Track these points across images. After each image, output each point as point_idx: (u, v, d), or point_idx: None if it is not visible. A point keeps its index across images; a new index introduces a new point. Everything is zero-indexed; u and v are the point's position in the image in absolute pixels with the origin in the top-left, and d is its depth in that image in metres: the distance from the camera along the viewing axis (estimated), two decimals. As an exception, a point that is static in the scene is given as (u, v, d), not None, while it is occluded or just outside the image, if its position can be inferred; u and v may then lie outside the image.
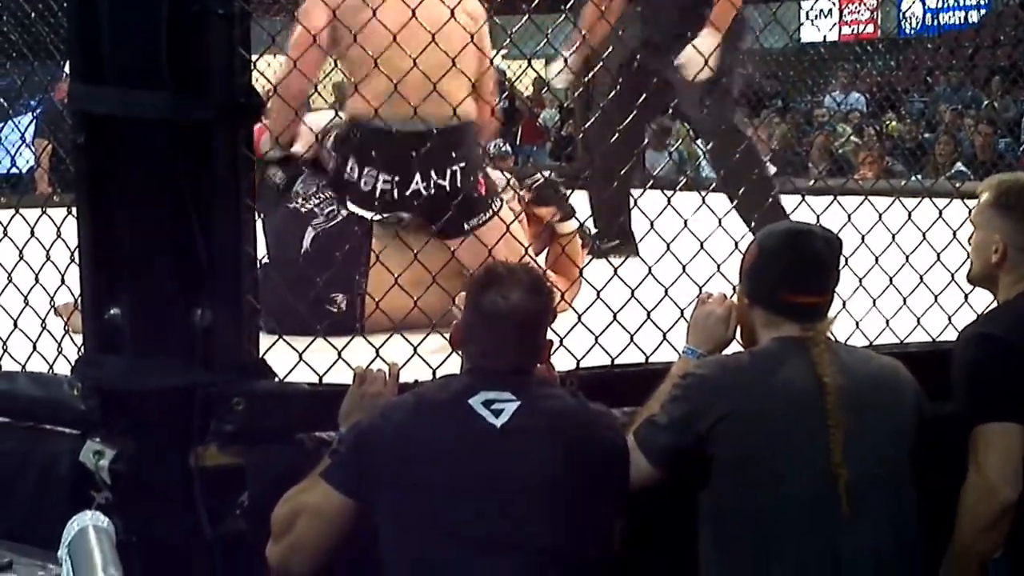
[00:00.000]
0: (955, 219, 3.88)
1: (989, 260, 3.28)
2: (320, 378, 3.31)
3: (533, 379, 3.00)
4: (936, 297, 3.91)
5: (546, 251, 5.13)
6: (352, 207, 4.62)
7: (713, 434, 2.91)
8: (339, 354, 3.36)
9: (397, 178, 4.54)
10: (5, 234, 3.82)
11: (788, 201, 3.75)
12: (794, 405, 2.92)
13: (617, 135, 4.67)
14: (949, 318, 3.82)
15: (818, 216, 3.58)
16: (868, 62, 16.98)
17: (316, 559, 2.94)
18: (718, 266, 3.63)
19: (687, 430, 2.94)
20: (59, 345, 3.56)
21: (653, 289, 3.69)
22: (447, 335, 3.09)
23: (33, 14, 7.42)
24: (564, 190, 5.14)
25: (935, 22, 18.86)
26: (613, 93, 5.42)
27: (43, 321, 3.69)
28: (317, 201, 4.67)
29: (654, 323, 3.63)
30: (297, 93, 4.51)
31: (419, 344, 3.49)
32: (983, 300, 3.49)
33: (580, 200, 5.50)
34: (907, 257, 3.92)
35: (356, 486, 2.88)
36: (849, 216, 3.76)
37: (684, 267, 3.72)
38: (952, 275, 3.82)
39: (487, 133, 5.18)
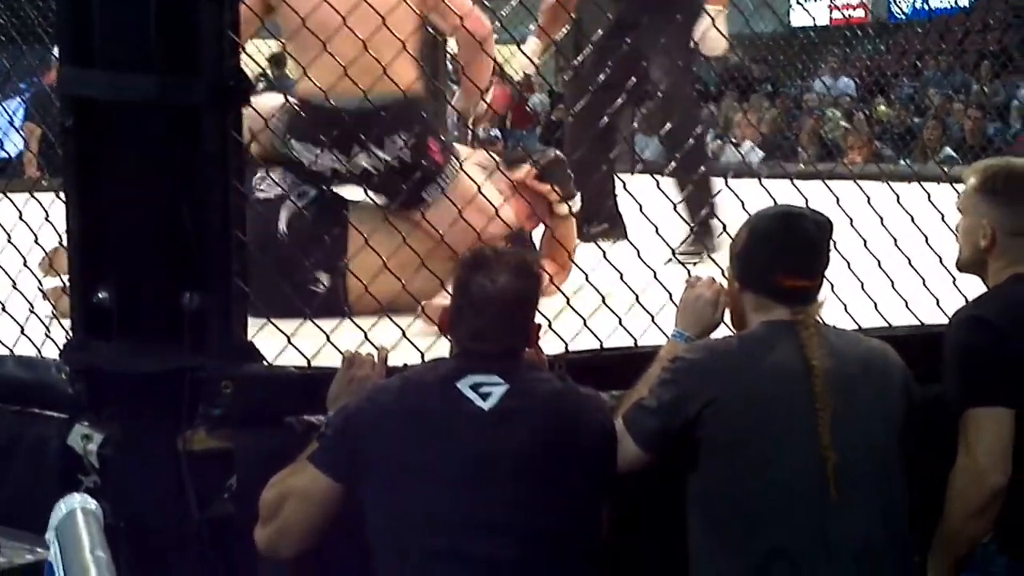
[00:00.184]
0: (943, 203, 3.88)
1: (978, 246, 3.28)
2: (308, 362, 3.30)
3: (522, 362, 3.00)
4: (924, 281, 3.91)
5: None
6: (309, 187, 4.62)
7: (702, 418, 2.91)
8: (327, 338, 3.35)
9: (343, 156, 4.54)
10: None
11: (777, 187, 3.72)
12: (782, 388, 2.92)
13: (597, 117, 4.68)
14: (937, 301, 3.82)
15: (807, 200, 3.58)
16: (858, 46, 16.99)
17: (304, 542, 2.94)
18: (708, 253, 3.64)
19: (676, 414, 2.93)
20: (47, 329, 3.56)
21: (642, 272, 3.69)
22: (429, 317, 3.09)
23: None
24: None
25: (925, 6, 18.85)
26: (588, 73, 5.43)
27: (31, 305, 3.68)
28: (287, 186, 4.68)
29: (643, 307, 3.63)
30: None
31: (408, 327, 3.49)
32: (971, 284, 3.49)
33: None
34: (895, 241, 3.92)
35: (343, 469, 2.88)
36: (838, 200, 3.76)
37: (674, 252, 3.72)
38: (940, 259, 3.82)
39: (476, 112, 5.14)
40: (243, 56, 3.22)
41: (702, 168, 5.06)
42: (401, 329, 3.45)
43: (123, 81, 3.10)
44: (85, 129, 3.16)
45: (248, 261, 3.21)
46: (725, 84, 15.48)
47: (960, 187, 3.38)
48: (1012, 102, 14.28)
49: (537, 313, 3.04)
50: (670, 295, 3.51)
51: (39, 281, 3.73)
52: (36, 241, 3.71)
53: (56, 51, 3.52)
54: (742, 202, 3.63)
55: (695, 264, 4.00)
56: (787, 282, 3.01)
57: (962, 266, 3.38)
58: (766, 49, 15.27)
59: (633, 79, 5.01)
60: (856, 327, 3.61)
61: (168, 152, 3.10)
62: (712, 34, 5.30)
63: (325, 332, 3.36)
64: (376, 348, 3.20)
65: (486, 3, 4.79)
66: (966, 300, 3.39)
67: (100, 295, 3.15)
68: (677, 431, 2.94)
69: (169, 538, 3.13)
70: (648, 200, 3.82)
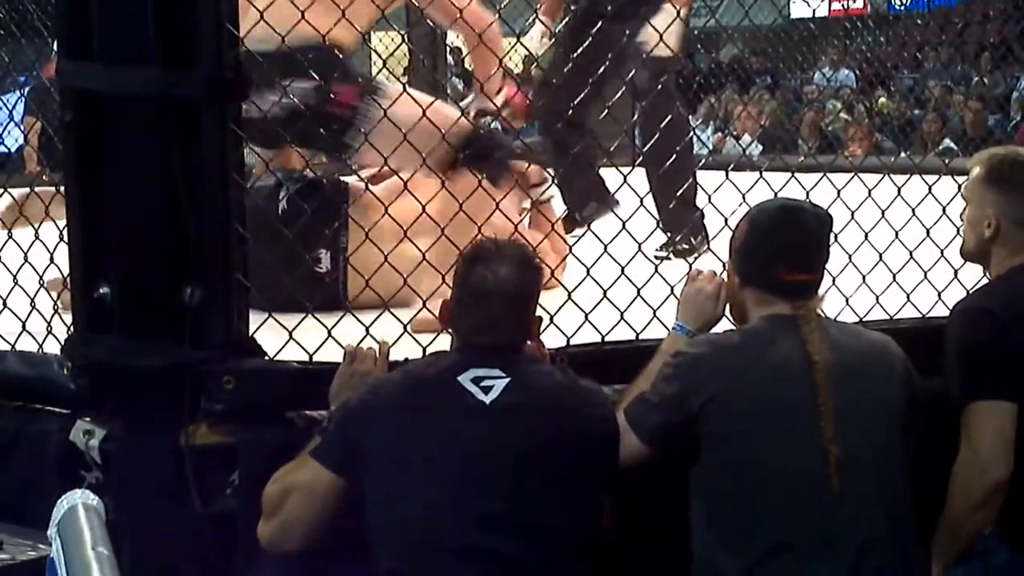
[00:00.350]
0: (944, 195, 3.88)
1: (982, 235, 3.28)
2: (310, 356, 3.30)
3: (523, 356, 3.00)
4: (926, 273, 3.91)
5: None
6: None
7: (704, 412, 2.91)
8: (329, 332, 3.35)
9: (256, 101, 4.45)
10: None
11: (776, 179, 3.72)
12: (784, 383, 2.91)
13: (570, 104, 4.67)
14: (939, 294, 3.82)
15: (807, 192, 3.58)
16: (858, 38, 16.97)
17: (307, 537, 2.94)
18: (708, 243, 3.63)
19: (678, 409, 2.93)
20: (49, 324, 3.55)
21: (644, 266, 3.69)
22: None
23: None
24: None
25: (925, -3, 18.84)
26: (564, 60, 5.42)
27: (32, 300, 3.68)
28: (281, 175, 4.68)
29: (644, 300, 3.63)
30: None
31: (409, 322, 3.49)
32: (973, 276, 3.49)
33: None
34: (896, 233, 3.92)
35: (345, 464, 2.88)
36: (839, 192, 3.76)
37: (675, 243, 3.71)
38: (942, 251, 3.82)
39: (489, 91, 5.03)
40: None
41: (684, 183, 4.99)
42: (402, 323, 3.45)
43: (122, 74, 3.10)
44: (84, 123, 3.16)
45: (249, 250, 3.21)
46: (725, 76, 15.45)
47: (961, 179, 3.38)
48: (1012, 94, 14.27)
49: (538, 306, 3.04)
50: (671, 289, 3.51)
51: (40, 276, 3.71)
52: (37, 236, 3.71)
53: (55, 45, 3.51)
54: (743, 195, 3.62)
55: (696, 259, 3.99)
56: (788, 276, 3.01)
57: (966, 254, 3.39)
58: (766, 41, 15.25)
59: (602, 65, 4.95)
60: (857, 320, 3.61)
61: (168, 145, 3.10)
62: (655, 38, 5.19)
63: (326, 326, 3.35)
64: (377, 342, 3.20)
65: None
66: (967, 292, 3.39)
67: (101, 290, 3.15)
68: (679, 426, 2.94)
69: (172, 534, 3.13)
70: (648, 192, 3.81)
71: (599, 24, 5.00)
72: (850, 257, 3.73)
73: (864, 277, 3.82)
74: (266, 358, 3.25)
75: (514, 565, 2.81)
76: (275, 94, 4.22)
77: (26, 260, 3.74)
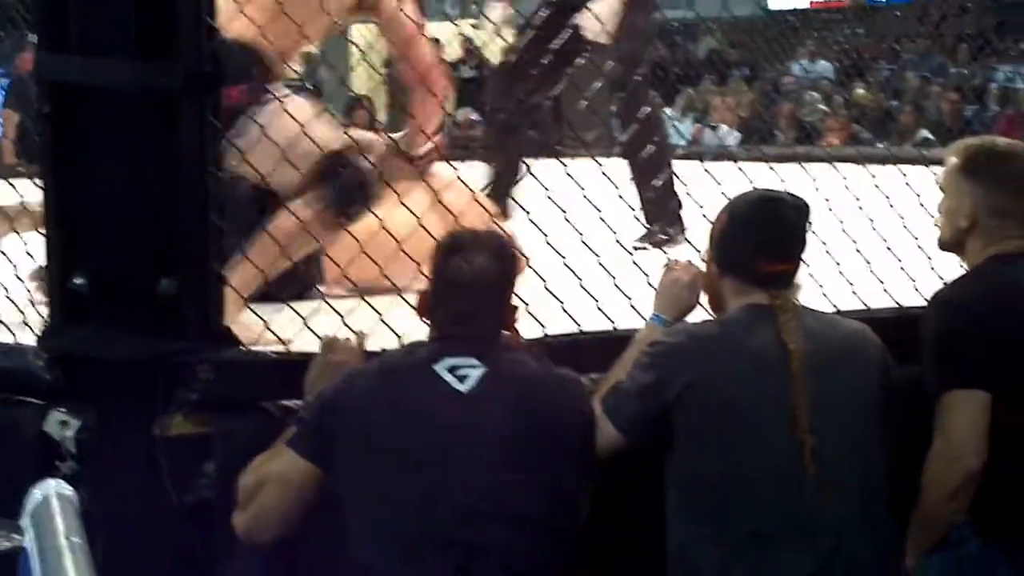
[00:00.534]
0: (920, 185, 3.89)
1: (959, 225, 3.27)
2: (286, 346, 3.30)
3: (499, 345, 3.00)
4: (901, 263, 3.92)
5: None
6: None
7: (680, 402, 2.91)
8: (305, 322, 3.35)
9: None
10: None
11: (754, 169, 3.73)
12: (761, 372, 2.92)
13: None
14: (914, 283, 3.83)
15: (783, 182, 3.58)
16: (836, 30, 16.99)
17: (282, 527, 2.93)
18: (684, 233, 3.63)
19: (655, 398, 2.94)
20: (23, 315, 3.55)
21: (620, 256, 3.70)
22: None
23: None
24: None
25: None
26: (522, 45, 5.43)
27: (6, 290, 3.68)
28: None
29: (620, 290, 3.63)
30: None
31: (385, 312, 3.49)
32: (948, 266, 3.49)
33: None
34: (872, 223, 3.93)
35: (321, 453, 2.88)
36: (814, 182, 3.76)
37: (652, 233, 3.72)
38: (917, 241, 3.83)
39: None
40: None
41: (661, 172, 4.98)
42: (379, 313, 3.45)
43: (100, 67, 3.10)
44: (62, 115, 3.16)
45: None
46: (704, 68, 15.48)
47: (937, 169, 3.39)
48: (989, 85, 14.30)
49: (514, 295, 3.05)
50: (648, 279, 3.52)
51: (14, 267, 3.71)
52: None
53: (32, 36, 3.50)
54: (719, 185, 3.62)
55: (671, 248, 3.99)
56: (767, 267, 3.01)
57: (943, 245, 3.38)
58: (744, 33, 15.26)
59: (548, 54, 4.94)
60: (834, 310, 3.62)
61: (145, 137, 3.10)
62: (594, 17, 5.14)
63: (302, 316, 3.35)
64: (354, 333, 3.20)
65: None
66: (944, 282, 3.39)
67: (76, 281, 3.15)
68: (656, 415, 2.94)
69: (147, 524, 3.13)
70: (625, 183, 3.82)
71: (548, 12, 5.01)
72: (826, 247, 3.73)
73: (840, 267, 3.83)
74: (241, 348, 3.25)
75: (492, 555, 2.81)
76: None
77: (1, 252, 3.73)
